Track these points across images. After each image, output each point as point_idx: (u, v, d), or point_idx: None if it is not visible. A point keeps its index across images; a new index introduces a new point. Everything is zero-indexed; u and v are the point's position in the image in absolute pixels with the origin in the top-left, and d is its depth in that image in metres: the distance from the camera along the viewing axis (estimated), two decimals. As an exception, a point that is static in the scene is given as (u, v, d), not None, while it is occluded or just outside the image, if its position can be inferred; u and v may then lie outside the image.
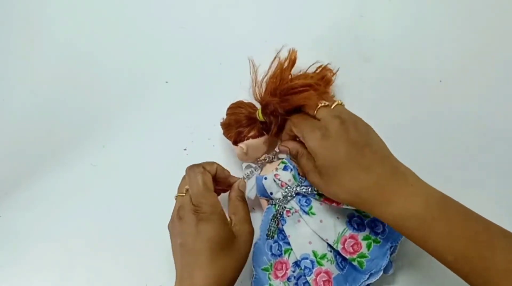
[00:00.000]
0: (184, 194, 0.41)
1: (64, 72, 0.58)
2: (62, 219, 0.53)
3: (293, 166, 0.46)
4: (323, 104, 0.39)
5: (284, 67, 0.45)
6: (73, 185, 0.55)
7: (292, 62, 0.46)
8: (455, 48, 0.52)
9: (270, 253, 0.45)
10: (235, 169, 0.51)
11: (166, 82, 0.56)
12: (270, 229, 0.44)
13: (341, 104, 0.40)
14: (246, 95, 0.53)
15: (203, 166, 0.41)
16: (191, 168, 0.41)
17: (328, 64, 0.47)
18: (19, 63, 0.59)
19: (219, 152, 0.52)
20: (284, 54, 0.46)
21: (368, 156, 0.36)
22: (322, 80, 0.45)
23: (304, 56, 0.54)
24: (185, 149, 0.53)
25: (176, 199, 0.42)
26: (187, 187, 0.40)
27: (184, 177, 0.43)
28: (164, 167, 0.53)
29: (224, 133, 0.48)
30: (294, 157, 0.43)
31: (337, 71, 0.47)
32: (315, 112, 0.39)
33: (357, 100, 0.48)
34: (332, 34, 0.54)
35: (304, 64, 0.53)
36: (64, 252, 0.52)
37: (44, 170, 0.56)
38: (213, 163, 0.43)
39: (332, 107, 0.39)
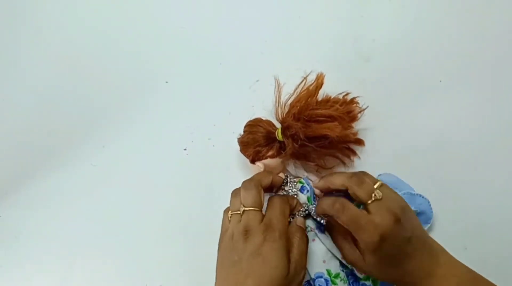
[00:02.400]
0: (240, 212, 0.40)
1: (64, 72, 0.58)
2: (62, 219, 0.53)
3: (310, 188, 0.46)
4: (377, 197, 0.38)
5: (311, 90, 0.45)
6: (73, 185, 0.55)
7: (319, 87, 0.45)
8: (455, 48, 0.52)
9: None
10: (235, 170, 0.51)
11: (166, 82, 0.56)
12: None
13: (381, 186, 0.39)
14: (246, 95, 0.53)
15: (288, 198, 0.42)
16: (277, 197, 0.41)
17: (357, 97, 0.46)
18: (19, 63, 0.59)
19: (219, 152, 0.52)
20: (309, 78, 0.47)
21: (414, 244, 0.37)
22: (348, 114, 0.45)
23: (304, 55, 0.54)
24: (185, 149, 0.53)
25: (230, 217, 0.41)
26: (244, 208, 0.39)
27: (234, 194, 0.42)
28: (164, 167, 0.53)
29: (241, 150, 0.47)
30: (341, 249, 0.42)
31: (365, 108, 0.47)
32: (367, 205, 0.38)
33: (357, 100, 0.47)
34: (332, 34, 0.54)
35: (305, 63, 0.53)
36: (64, 252, 0.52)
37: (44, 170, 0.56)
38: (294, 199, 0.44)
39: (375, 186, 0.39)
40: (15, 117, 0.58)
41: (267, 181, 0.42)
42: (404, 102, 0.51)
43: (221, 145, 0.53)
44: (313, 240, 0.44)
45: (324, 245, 0.43)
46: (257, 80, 0.54)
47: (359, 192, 0.38)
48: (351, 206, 0.38)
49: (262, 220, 0.38)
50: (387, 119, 0.50)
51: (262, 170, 0.45)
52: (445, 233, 0.46)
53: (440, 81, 0.51)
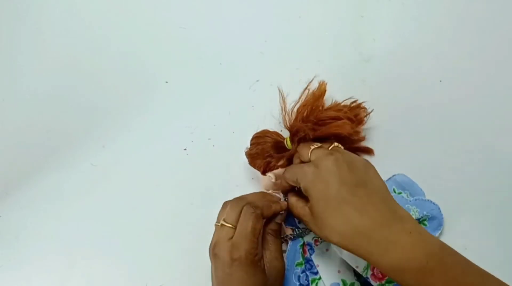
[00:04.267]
0: (220, 226, 0.40)
1: (64, 72, 0.58)
2: (62, 219, 0.53)
3: None
4: (315, 146, 0.38)
5: (316, 95, 0.45)
6: (73, 185, 0.55)
7: (323, 93, 0.46)
8: (455, 48, 0.52)
9: (298, 283, 0.44)
10: (235, 170, 0.51)
11: (166, 82, 0.56)
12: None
13: (337, 146, 0.40)
14: (246, 95, 0.53)
15: (262, 210, 0.40)
16: (248, 208, 0.40)
17: (363, 102, 0.47)
18: (19, 63, 0.59)
19: (219, 152, 0.52)
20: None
21: (362, 197, 0.34)
22: (355, 117, 0.45)
23: (304, 55, 0.54)
24: (185, 149, 0.53)
25: (215, 227, 0.41)
26: (222, 222, 0.39)
27: (223, 206, 0.42)
28: (164, 167, 0.53)
29: (250, 163, 0.47)
30: (290, 208, 0.41)
31: (371, 111, 0.47)
32: (309, 154, 0.38)
33: (357, 100, 0.48)
34: (332, 34, 0.54)
35: (305, 63, 0.53)
36: (64, 252, 0.52)
37: (44, 170, 0.55)
38: (271, 205, 0.42)
39: (329, 147, 0.39)
40: (15, 117, 0.58)
41: (259, 205, 0.41)
42: (404, 102, 0.51)
43: (221, 145, 0.53)
44: (326, 250, 0.44)
45: (338, 254, 0.43)
46: (257, 80, 0.54)
47: (301, 150, 0.40)
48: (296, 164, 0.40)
49: (231, 238, 0.38)
50: (387, 119, 0.50)
51: (273, 180, 0.45)
52: (445, 233, 0.46)
53: (440, 81, 0.51)
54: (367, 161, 0.38)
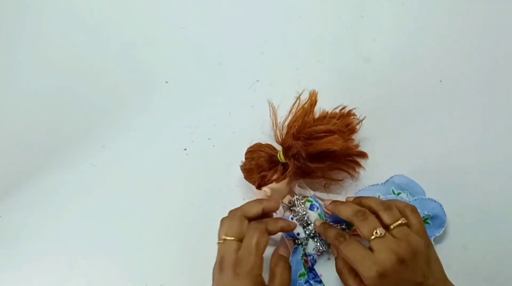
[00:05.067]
0: (222, 242, 0.39)
1: (64, 72, 0.58)
2: (62, 219, 0.53)
3: (319, 205, 0.46)
4: (378, 234, 0.36)
5: (306, 108, 0.45)
6: (73, 185, 0.55)
7: (314, 104, 0.45)
8: (455, 48, 0.52)
9: None
10: (234, 170, 0.51)
11: (166, 82, 0.56)
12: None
13: (401, 225, 0.37)
14: (246, 95, 0.53)
15: (266, 225, 0.40)
16: (254, 224, 0.39)
17: (353, 109, 0.46)
18: (19, 64, 0.59)
19: (219, 152, 0.52)
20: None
21: None
22: (346, 127, 0.45)
23: (304, 55, 0.54)
24: (185, 149, 0.53)
25: (218, 245, 0.40)
26: (224, 237, 0.39)
27: (223, 221, 0.41)
28: (164, 167, 0.53)
29: (245, 178, 0.47)
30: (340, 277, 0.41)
31: (362, 119, 0.47)
32: (370, 242, 0.37)
33: (357, 100, 0.48)
34: (332, 34, 0.54)
35: (305, 63, 0.53)
36: (64, 252, 0.52)
37: (44, 170, 0.56)
38: (278, 221, 0.41)
39: (393, 227, 0.37)
40: (15, 117, 0.58)
41: (255, 211, 0.41)
42: (404, 102, 0.51)
43: (221, 145, 0.53)
44: (329, 259, 0.44)
45: None
46: (257, 80, 0.54)
47: (362, 229, 0.37)
48: (353, 241, 0.38)
49: (237, 251, 0.38)
50: (387, 119, 0.50)
51: (269, 194, 0.45)
52: (445, 233, 0.46)
53: (440, 81, 0.51)
54: (428, 243, 0.37)
